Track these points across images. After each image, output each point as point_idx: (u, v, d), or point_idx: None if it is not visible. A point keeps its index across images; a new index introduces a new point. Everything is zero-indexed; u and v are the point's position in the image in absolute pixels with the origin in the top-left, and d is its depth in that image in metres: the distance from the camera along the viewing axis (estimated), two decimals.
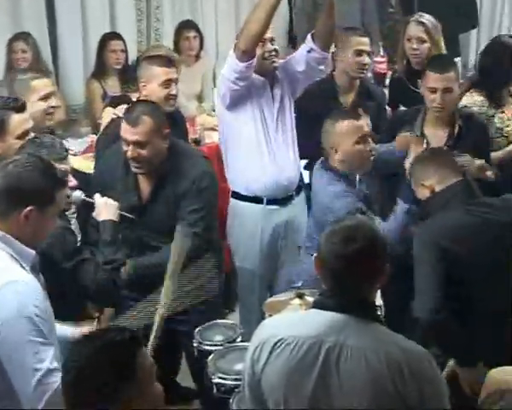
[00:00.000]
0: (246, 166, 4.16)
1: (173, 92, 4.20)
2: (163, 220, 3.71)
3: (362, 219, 2.59)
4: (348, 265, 2.40)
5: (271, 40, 4.13)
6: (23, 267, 2.72)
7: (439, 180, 3.40)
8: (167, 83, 4.15)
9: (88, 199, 3.62)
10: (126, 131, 3.64)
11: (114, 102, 4.96)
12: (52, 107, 4.06)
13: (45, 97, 4.02)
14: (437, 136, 4.07)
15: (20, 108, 3.66)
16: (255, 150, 4.17)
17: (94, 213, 3.57)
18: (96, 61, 6.16)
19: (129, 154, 3.64)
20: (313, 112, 4.24)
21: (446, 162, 3.50)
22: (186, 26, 6.48)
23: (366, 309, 2.46)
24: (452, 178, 3.38)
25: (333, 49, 4.65)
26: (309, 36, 4.20)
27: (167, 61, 4.29)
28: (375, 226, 2.55)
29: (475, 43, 7.67)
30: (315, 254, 2.51)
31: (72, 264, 3.29)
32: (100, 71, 6.13)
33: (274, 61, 4.18)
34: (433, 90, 4.00)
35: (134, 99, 4.62)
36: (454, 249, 3.19)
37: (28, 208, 2.69)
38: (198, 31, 6.47)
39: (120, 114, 4.24)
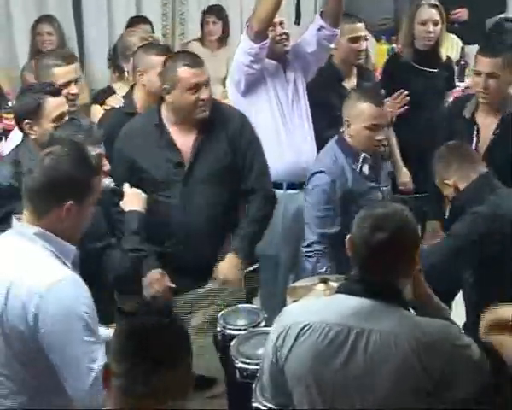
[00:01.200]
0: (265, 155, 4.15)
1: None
2: (214, 167, 3.69)
3: (394, 207, 2.55)
4: (375, 253, 2.41)
5: (281, 23, 4.17)
6: (66, 264, 2.70)
7: (461, 177, 3.42)
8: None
9: (117, 187, 3.59)
10: (192, 76, 3.59)
11: (100, 97, 4.97)
12: (72, 94, 4.04)
13: (66, 85, 4.01)
14: (486, 123, 4.04)
15: (56, 92, 3.66)
16: (273, 135, 4.18)
17: (121, 203, 3.54)
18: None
19: (202, 96, 3.58)
20: (320, 100, 4.27)
21: (466, 157, 3.50)
22: (208, 11, 6.50)
23: (393, 295, 2.46)
24: (474, 174, 3.40)
25: None
26: (317, 15, 4.24)
27: (165, 50, 4.26)
28: (408, 215, 2.52)
29: None
30: (349, 235, 2.51)
31: (102, 246, 3.30)
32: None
33: (285, 45, 4.23)
34: (479, 73, 3.98)
35: (118, 89, 4.67)
36: None
37: (69, 203, 2.66)
38: (220, 16, 6.46)
39: (114, 105, 4.31)
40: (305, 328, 2.45)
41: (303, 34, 4.36)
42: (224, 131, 3.69)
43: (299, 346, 2.47)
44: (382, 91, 4.39)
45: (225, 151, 3.70)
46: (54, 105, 3.62)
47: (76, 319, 2.59)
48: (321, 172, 3.81)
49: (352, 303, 2.45)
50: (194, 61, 3.61)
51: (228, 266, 3.62)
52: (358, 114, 3.76)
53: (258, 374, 2.88)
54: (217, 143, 3.67)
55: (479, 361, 2.42)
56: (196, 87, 3.55)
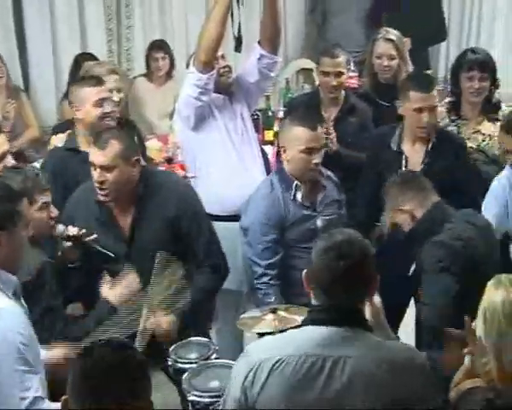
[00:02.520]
0: (219, 186, 4.13)
1: (107, 110, 4.06)
2: (153, 249, 3.44)
3: (351, 234, 2.58)
4: (341, 281, 2.44)
5: (222, 56, 4.21)
6: (5, 294, 2.70)
7: (417, 205, 3.45)
8: (99, 102, 4.04)
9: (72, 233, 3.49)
10: (93, 155, 3.47)
11: (58, 131, 4.88)
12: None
13: None
14: (415, 152, 4.07)
15: None
16: (227, 168, 4.18)
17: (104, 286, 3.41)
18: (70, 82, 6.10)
19: (95, 177, 3.45)
20: None
21: (421, 185, 3.53)
22: (155, 46, 6.48)
23: (360, 320, 2.51)
24: (429, 202, 3.44)
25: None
26: (256, 44, 4.26)
27: (97, 81, 4.20)
28: (365, 240, 2.57)
29: (445, 55, 7.73)
30: (305, 270, 2.53)
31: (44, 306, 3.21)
32: None
33: (229, 77, 4.26)
34: (419, 110, 3.97)
35: None
36: None
37: None
38: (167, 51, 6.46)
39: (59, 144, 4.24)
40: (278, 363, 2.43)
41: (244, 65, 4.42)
42: (160, 208, 3.53)
43: (272, 381, 2.44)
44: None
45: (164, 229, 3.54)
46: None
47: (9, 348, 2.61)
48: (254, 205, 3.85)
49: (322, 332, 2.46)
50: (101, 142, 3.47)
51: (164, 320, 3.41)
52: (293, 138, 3.76)
53: (210, 407, 2.87)
54: (154, 222, 3.52)
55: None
56: (93, 167, 3.46)
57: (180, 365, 3.19)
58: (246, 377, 2.47)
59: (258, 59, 4.22)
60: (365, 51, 6.13)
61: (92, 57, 6.05)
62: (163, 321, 3.38)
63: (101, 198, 3.49)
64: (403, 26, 5.23)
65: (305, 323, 2.55)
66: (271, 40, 4.23)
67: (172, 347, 3.27)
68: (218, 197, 4.13)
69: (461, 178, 4.00)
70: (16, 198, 2.85)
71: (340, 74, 4.61)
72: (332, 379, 2.40)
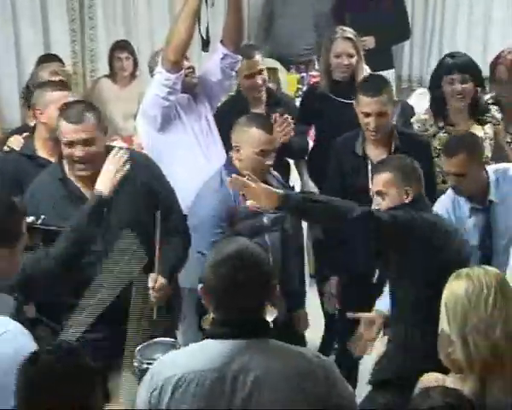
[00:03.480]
0: (186, 187, 4.10)
1: None
2: (127, 216, 3.54)
3: (241, 243, 2.60)
4: (240, 292, 2.42)
5: (186, 58, 4.28)
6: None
7: (415, 189, 3.52)
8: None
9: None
10: (69, 131, 3.43)
11: (15, 134, 4.80)
12: None
13: None
14: (379, 156, 4.09)
15: None
16: (194, 167, 4.22)
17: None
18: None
19: (76, 154, 3.42)
20: (228, 127, 4.22)
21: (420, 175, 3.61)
22: (118, 46, 6.50)
23: (262, 329, 2.50)
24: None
25: None
26: (219, 44, 4.33)
27: (61, 85, 4.24)
28: (256, 247, 2.60)
29: (409, 54, 7.94)
30: (200, 286, 2.52)
31: None
32: None
33: (193, 77, 4.36)
34: (367, 114, 4.05)
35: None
36: None
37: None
38: (131, 51, 6.49)
39: (15, 147, 4.19)
40: (179, 382, 2.41)
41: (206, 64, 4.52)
42: (127, 179, 3.54)
43: (177, 401, 2.42)
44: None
45: (137, 199, 3.59)
46: None
47: None
48: (205, 199, 3.92)
49: (221, 347, 2.45)
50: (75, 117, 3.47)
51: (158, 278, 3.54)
52: (249, 139, 3.83)
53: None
54: (123, 193, 3.54)
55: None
56: (70, 144, 3.44)
57: (145, 365, 3.17)
58: (150, 398, 2.46)
59: (222, 58, 4.30)
60: (313, 51, 6.28)
61: (56, 58, 6.05)
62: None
63: (81, 173, 3.47)
64: (366, 25, 5.28)
65: (205, 337, 2.56)
66: (235, 40, 4.31)
67: (138, 347, 3.30)
68: (185, 200, 4.13)
69: (426, 177, 4.06)
70: (20, 218, 2.84)
71: (260, 72, 4.70)
72: (235, 397, 2.39)
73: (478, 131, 4.39)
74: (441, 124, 4.53)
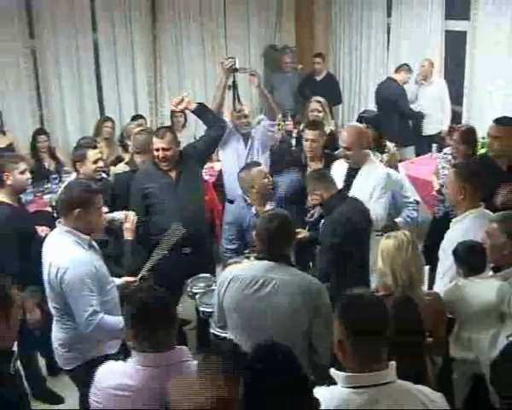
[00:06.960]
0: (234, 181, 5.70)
1: (100, 165, 5.45)
2: (188, 194, 5.23)
3: (281, 212, 3.65)
4: (271, 235, 3.46)
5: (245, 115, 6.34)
6: (83, 247, 3.72)
7: (326, 190, 4.65)
8: (96, 161, 5.41)
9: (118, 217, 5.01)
10: (157, 142, 5.22)
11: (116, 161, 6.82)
12: None
13: None
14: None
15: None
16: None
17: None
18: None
19: (160, 155, 5.19)
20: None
21: (330, 179, 4.76)
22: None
23: (284, 258, 3.50)
24: (333, 190, 4.66)
25: None
26: (262, 115, 6.52)
27: (94, 144, 5.61)
28: (287, 214, 3.57)
29: (341, 112, 11.02)
30: (254, 230, 3.63)
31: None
32: None
33: (245, 126, 6.36)
34: (306, 140, 5.80)
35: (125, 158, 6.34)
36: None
37: (77, 210, 3.71)
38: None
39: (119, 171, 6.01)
40: (233, 278, 3.50)
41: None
42: (186, 164, 5.38)
43: (229, 289, 3.49)
44: None
45: (195, 172, 5.43)
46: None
47: (79, 281, 3.65)
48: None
49: (260, 264, 3.50)
50: (161, 134, 5.32)
51: None
52: (257, 175, 5.34)
53: (212, 313, 4.05)
54: (189, 173, 5.37)
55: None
56: (157, 150, 5.31)
57: (195, 290, 4.76)
58: (219, 286, 3.54)
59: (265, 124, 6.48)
60: (296, 109, 8.83)
61: (140, 117, 8.05)
62: None
63: (164, 167, 5.29)
64: (318, 93, 7.53)
65: (255, 259, 3.71)
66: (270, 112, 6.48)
67: (189, 280, 4.78)
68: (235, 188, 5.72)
69: None
70: (94, 192, 3.85)
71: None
72: (263, 290, 3.38)
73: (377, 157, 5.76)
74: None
